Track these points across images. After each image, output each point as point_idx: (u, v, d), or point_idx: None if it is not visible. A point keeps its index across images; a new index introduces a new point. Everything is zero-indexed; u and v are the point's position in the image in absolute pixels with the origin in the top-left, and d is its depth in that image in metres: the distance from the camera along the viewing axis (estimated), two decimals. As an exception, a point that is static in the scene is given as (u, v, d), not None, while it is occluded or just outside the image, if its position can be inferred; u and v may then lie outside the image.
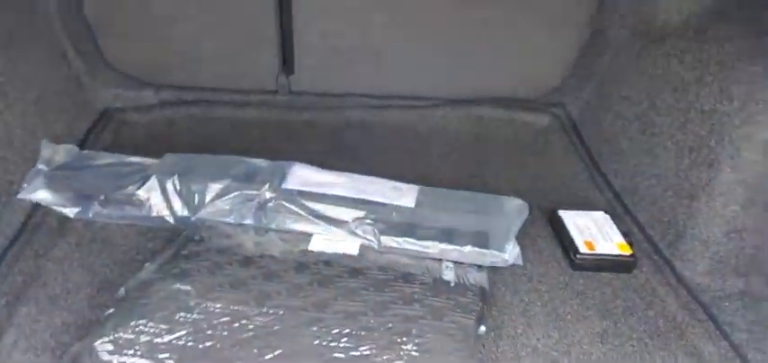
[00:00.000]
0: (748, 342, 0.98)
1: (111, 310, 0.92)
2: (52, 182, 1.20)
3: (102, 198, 1.17)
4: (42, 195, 1.18)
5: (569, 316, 1.03)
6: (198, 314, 0.92)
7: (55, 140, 1.31)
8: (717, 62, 1.19)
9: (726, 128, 1.11)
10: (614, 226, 1.22)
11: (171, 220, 1.16)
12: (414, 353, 0.88)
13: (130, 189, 1.18)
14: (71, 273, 1.03)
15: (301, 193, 1.18)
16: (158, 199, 1.17)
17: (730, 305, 1.06)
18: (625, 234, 1.20)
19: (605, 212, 1.27)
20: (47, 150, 1.27)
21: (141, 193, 1.18)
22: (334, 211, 1.15)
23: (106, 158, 1.31)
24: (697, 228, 1.13)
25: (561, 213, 1.25)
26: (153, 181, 1.18)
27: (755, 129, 1.06)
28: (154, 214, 1.16)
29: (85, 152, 1.35)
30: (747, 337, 0.99)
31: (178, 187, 1.17)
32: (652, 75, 1.38)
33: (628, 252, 1.16)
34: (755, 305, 1.06)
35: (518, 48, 1.68)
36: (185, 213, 1.16)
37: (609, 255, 1.16)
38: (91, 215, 1.16)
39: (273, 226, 1.14)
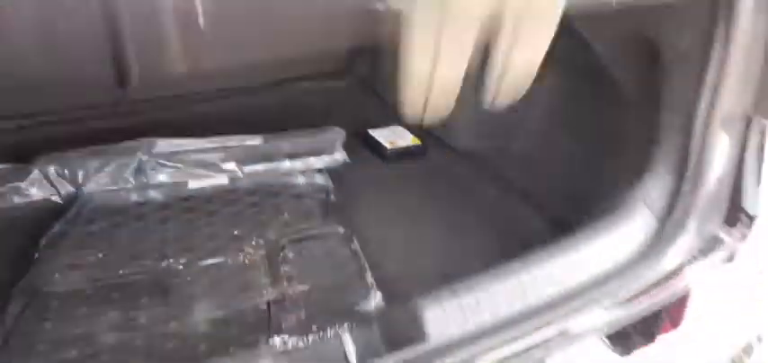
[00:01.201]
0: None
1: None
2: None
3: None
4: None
5: (392, 188, 1.46)
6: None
7: None
8: None
9: None
10: (407, 131, 1.71)
11: (59, 200, 1.35)
12: (287, 217, 1.25)
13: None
14: None
15: (172, 153, 1.46)
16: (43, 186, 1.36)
17: (484, 156, 1.60)
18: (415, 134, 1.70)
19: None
20: None
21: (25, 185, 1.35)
22: (203, 158, 1.45)
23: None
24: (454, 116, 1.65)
25: (370, 130, 1.70)
26: (35, 173, 1.36)
27: None
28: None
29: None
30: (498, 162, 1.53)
31: (60, 171, 1.37)
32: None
33: (419, 142, 1.65)
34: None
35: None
36: (72, 189, 1.36)
37: (407, 147, 1.63)
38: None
39: (154, 182, 1.40)
